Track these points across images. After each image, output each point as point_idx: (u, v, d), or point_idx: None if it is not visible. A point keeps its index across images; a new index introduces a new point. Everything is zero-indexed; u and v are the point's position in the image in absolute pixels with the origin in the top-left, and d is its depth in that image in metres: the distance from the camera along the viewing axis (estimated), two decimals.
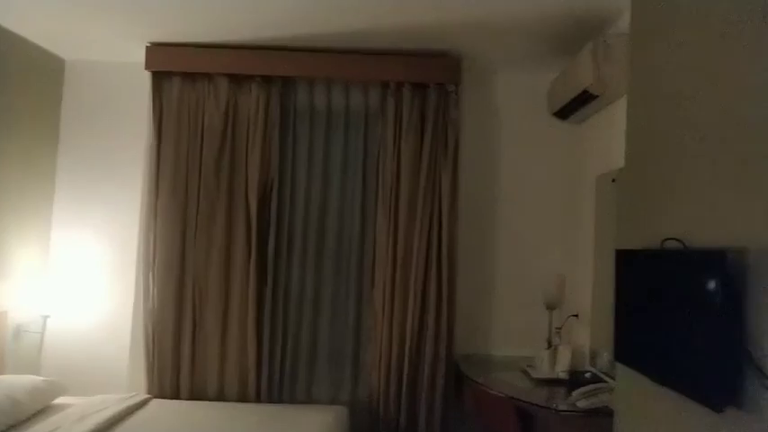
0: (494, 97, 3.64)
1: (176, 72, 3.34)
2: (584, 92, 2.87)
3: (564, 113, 3.33)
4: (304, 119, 3.45)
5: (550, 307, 3.33)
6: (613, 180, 2.86)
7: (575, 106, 3.13)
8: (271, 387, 3.31)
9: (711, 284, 1.49)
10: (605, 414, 2.38)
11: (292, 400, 3.34)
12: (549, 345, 3.22)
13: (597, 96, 2.87)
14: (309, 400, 3.36)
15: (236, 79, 3.36)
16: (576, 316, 3.31)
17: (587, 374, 2.95)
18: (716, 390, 1.47)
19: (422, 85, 3.35)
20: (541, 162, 3.62)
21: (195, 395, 3.27)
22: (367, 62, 3.32)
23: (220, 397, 3.28)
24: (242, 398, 3.26)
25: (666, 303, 1.73)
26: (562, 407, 2.49)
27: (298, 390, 3.37)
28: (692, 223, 1.74)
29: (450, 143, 3.31)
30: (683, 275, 1.65)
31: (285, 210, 3.40)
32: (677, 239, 1.78)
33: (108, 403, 2.93)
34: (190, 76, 3.36)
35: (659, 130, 2.00)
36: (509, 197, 3.62)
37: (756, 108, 1.46)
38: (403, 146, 3.30)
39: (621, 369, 2.18)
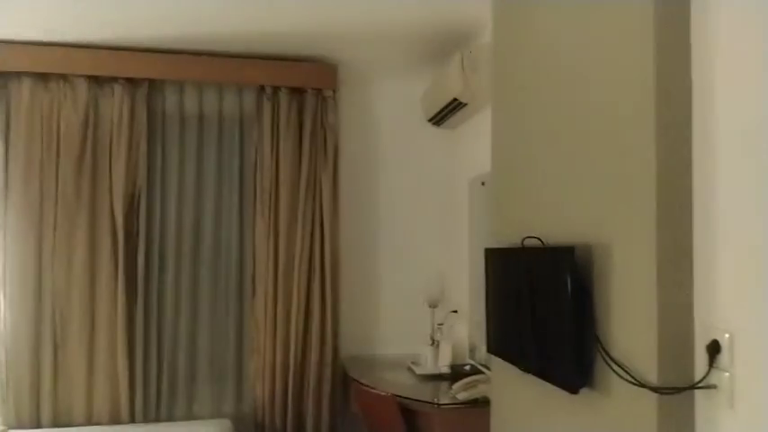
0: (371, 103, 3.71)
1: (27, 72, 3.03)
2: (454, 100, 3.01)
3: (438, 120, 3.48)
4: (173, 124, 3.29)
5: (432, 305, 3.46)
6: (483, 183, 3.03)
7: (447, 113, 3.27)
8: (147, 407, 3.12)
9: (563, 277, 1.63)
10: (484, 404, 2.51)
11: (171, 419, 3.17)
12: (433, 341, 3.33)
13: (466, 104, 3.03)
14: (191, 416, 3.21)
15: (97, 81, 3.13)
16: (456, 312, 3.46)
17: (467, 367, 3.09)
18: (571, 374, 1.61)
19: (299, 90, 3.33)
20: (419, 166, 3.76)
21: (59, 422, 3.00)
22: (241, 65, 3.24)
23: (89, 422, 3.03)
24: (114, 420, 3.04)
25: (528, 297, 1.86)
26: (443, 401, 2.59)
27: (177, 407, 3.21)
28: (549, 223, 1.89)
29: (330, 148, 3.33)
30: (540, 270, 1.78)
31: (155, 221, 3.22)
32: (536, 237, 1.93)
33: None
34: (42, 77, 3.07)
35: (519, 138, 2.16)
36: (389, 200, 3.71)
37: (597, 119, 1.63)
38: (281, 151, 3.26)
39: (494, 360, 2.31)
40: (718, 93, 1.32)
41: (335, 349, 3.28)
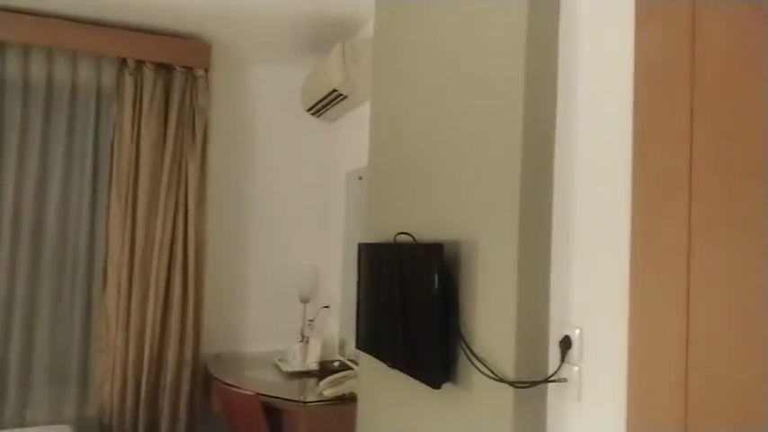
0: (248, 88, 3.54)
1: None
2: (334, 91, 2.95)
3: (317, 111, 3.40)
4: (15, 92, 2.88)
5: (304, 300, 3.38)
6: (360, 178, 3.01)
7: (326, 105, 3.21)
8: None
9: (432, 273, 1.64)
10: (352, 400, 2.49)
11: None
12: (302, 337, 3.26)
13: (346, 96, 2.98)
14: (23, 423, 2.84)
15: None
16: (328, 307, 3.41)
17: (336, 363, 3.06)
18: (434, 369, 1.62)
19: (166, 67, 3.08)
20: (296, 157, 3.65)
21: None
22: (100, 33, 2.92)
23: None
24: None
25: (397, 292, 1.86)
26: (309, 398, 2.53)
27: (6, 415, 2.82)
28: (422, 220, 1.90)
29: (199, 132, 3.11)
30: (411, 266, 1.79)
31: None
32: (408, 234, 1.93)
33: None
34: None
35: (396, 134, 2.15)
36: (263, 191, 3.57)
37: (468, 120, 1.65)
38: (143, 131, 2.99)
39: (363, 356, 2.29)
40: (580, 105, 1.39)
41: (197, 346, 3.08)
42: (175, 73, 3.09)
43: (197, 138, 3.11)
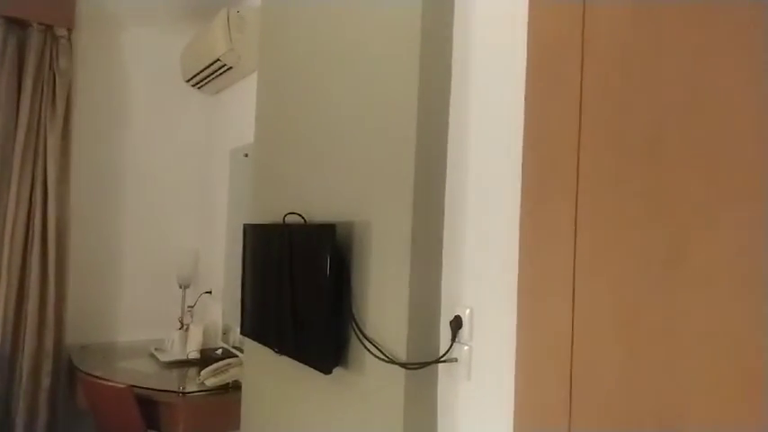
0: (120, 54, 3.21)
1: None
2: (217, 61, 2.77)
3: (199, 82, 3.17)
4: None
5: (183, 284, 3.18)
6: (246, 155, 2.86)
7: (209, 76, 3.00)
8: None
9: (323, 255, 1.58)
10: (236, 389, 2.38)
11: None
12: (182, 325, 3.07)
13: (230, 68, 2.81)
14: None
15: None
16: (210, 293, 3.23)
17: (219, 351, 2.91)
18: (325, 354, 1.57)
19: (20, 22, 2.70)
20: (174, 131, 3.39)
21: None
22: None
23: None
24: None
25: (286, 275, 1.78)
26: (190, 388, 2.39)
27: None
28: (312, 200, 1.83)
29: (60, 99, 2.77)
30: (301, 248, 1.71)
31: None
32: (298, 214, 1.85)
33: None
34: None
35: (285, 110, 2.05)
36: (138, 167, 3.28)
37: (363, 100, 1.60)
38: None
39: (248, 342, 2.19)
40: (472, 87, 1.39)
41: (59, 336, 2.77)
42: (32, 30, 2.71)
43: (58, 105, 2.76)
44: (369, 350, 1.48)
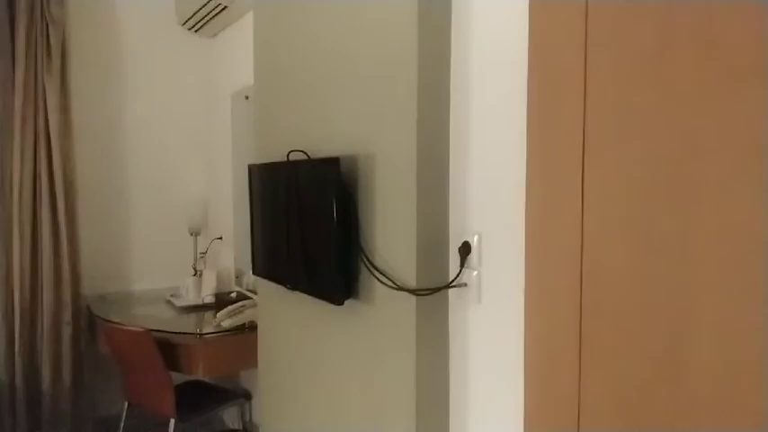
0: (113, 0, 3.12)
1: None
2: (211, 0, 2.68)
3: (195, 25, 3.10)
4: None
5: (194, 232, 3.20)
6: (246, 97, 2.82)
7: (204, 16, 2.92)
8: None
9: (329, 189, 1.57)
10: (252, 329, 2.43)
11: None
12: (195, 271, 3.11)
13: (226, 7, 2.73)
14: None
15: None
16: (221, 238, 3.26)
17: (233, 295, 2.97)
18: (336, 286, 1.59)
19: None
20: (174, 77, 3.33)
21: None
22: None
23: None
24: None
25: (293, 212, 1.78)
26: (207, 330, 2.44)
27: None
28: (315, 136, 1.81)
29: (55, 48, 2.71)
30: (306, 184, 1.70)
31: None
32: (302, 151, 1.83)
33: None
34: None
35: (283, 47, 2.00)
36: (140, 116, 3.25)
37: (364, 30, 1.55)
38: None
39: (261, 282, 2.22)
40: (473, 6, 1.34)
41: (76, 287, 2.82)
42: None
43: (53, 55, 2.71)
44: (379, 279, 1.49)
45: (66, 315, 2.77)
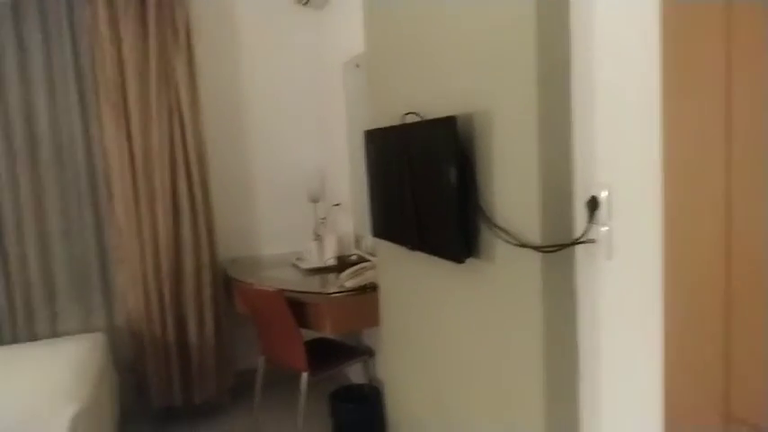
0: None
1: None
2: None
3: None
4: None
5: (314, 200, 3.35)
6: (357, 65, 2.86)
7: None
8: None
9: (446, 148, 1.57)
10: (372, 289, 2.52)
11: (33, 339, 2.86)
12: (316, 236, 3.26)
13: None
14: (55, 334, 2.92)
15: None
16: (339, 204, 3.38)
17: (353, 257, 3.08)
18: (456, 245, 1.59)
19: None
20: (287, 50, 3.45)
21: None
22: None
23: None
24: None
25: (411, 173, 1.79)
26: (332, 290, 2.57)
27: (37, 327, 2.89)
28: (429, 98, 1.80)
29: (181, 28, 2.90)
30: (423, 145, 1.71)
31: None
32: (416, 113, 1.84)
33: None
34: None
35: (394, 11, 1.99)
36: (257, 90, 3.41)
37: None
38: (122, 31, 2.79)
39: (381, 243, 2.28)
40: None
41: (212, 251, 3.08)
42: None
43: (180, 34, 2.90)
44: (501, 237, 1.47)
45: (206, 277, 3.04)
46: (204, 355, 3.05)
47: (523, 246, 1.39)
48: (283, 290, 2.50)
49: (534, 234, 1.36)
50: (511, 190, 1.44)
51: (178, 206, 2.97)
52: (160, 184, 2.91)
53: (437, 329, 1.90)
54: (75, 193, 2.94)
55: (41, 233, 2.88)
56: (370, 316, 2.51)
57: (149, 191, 2.91)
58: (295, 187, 3.49)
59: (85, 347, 2.62)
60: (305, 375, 2.55)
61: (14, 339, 2.83)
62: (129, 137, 2.86)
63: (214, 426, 3.02)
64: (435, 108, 1.75)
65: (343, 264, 2.97)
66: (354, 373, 3.30)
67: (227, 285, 3.14)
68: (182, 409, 3.08)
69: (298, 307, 2.52)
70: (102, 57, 2.80)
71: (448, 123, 1.54)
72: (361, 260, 2.95)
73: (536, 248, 1.35)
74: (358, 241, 3.19)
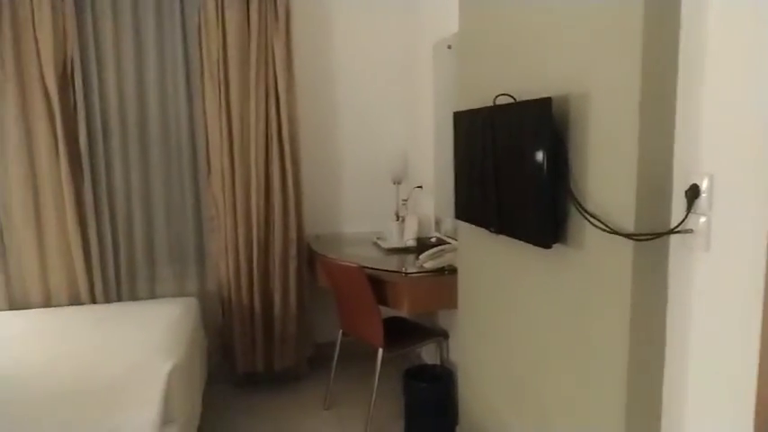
0: None
1: None
2: None
3: None
4: None
5: (396, 181, 3.39)
6: (449, 46, 2.85)
7: None
8: (106, 288, 3.04)
9: (539, 132, 1.55)
10: (450, 272, 2.54)
11: (134, 299, 3.12)
12: (397, 217, 3.31)
13: None
14: (153, 296, 3.17)
15: None
16: (421, 187, 3.41)
17: (433, 239, 3.10)
18: (544, 229, 1.58)
19: None
20: (379, 32, 3.49)
21: (16, 305, 2.93)
22: None
23: (47, 304, 2.96)
24: (74, 302, 2.98)
25: (499, 157, 1.79)
26: (411, 270, 2.61)
27: (139, 288, 3.15)
28: (522, 79, 1.78)
29: (281, 10, 3.01)
30: (515, 127, 1.70)
31: (93, 93, 2.93)
32: (509, 95, 1.82)
33: None
34: None
35: None
36: (347, 70, 3.48)
37: None
38: (227, 12, 2.93)
39: (462, 226, 2.29)
40: None
41: (300, 226, 3.21)
42: None
43: (280, 17, 3.02)
44: (592, 223, 1.44)
45: (293, 250, 3.18)
46: (286, 324, 3.20)
47: (615, 233, 1.35)
48: (364, 266, 2.57)
49: (628, 221, 1.33)
50: (605, 175, 1.41)
51: (270, 182, 3.12)
52: (254, 160, 3.06)
53: (516, 314, 1.89)
54: (176, 167, 3.15)
55: (146, 203, 3.12)
56: (447, 298, 2.53)
57: (244, 167, 3.08)
58: (379, 168, 3.55)
59: (181, 310, 2.82)
60: (381, 351, 2.62)
61: (119, 298, 3.10)
62: (228, 115, 3.03)
63: (292, 393, 3.17)
64: (528, 90, 1.73)
65: (422, 245, 3.00)
66: (427, 354, 3.34)
67: (310, 259, 3.26)
68: (262, 375, 3.25)
69: (377, 284, 2.58)
70: (207, 39, 2.97)
71: (543, 105, 1.52)
72: (441, 242, 2.97)
73: (628, 236, 1.32)
74: (438, 224, 3.21)
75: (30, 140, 2.85)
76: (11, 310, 2.91)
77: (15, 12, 2.76)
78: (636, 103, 1.30)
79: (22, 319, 2.74)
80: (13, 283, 2.92)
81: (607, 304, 1.42)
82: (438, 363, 2.97)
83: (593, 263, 1.47)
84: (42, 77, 2.81)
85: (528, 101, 1.62)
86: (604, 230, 1.39)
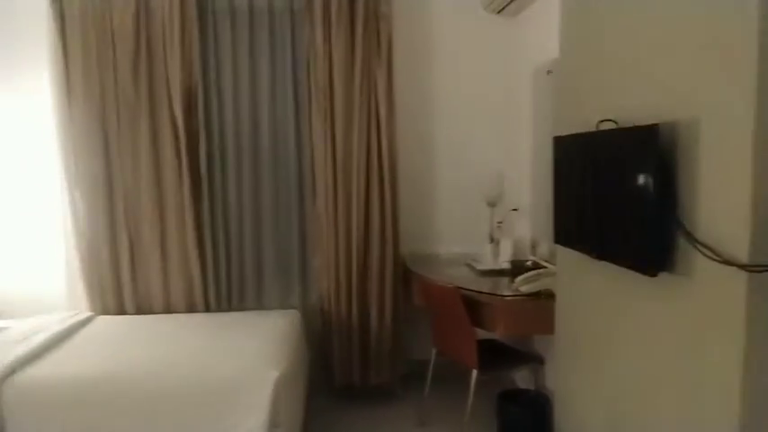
0: None
1: None
2: None
3: (498, 6, 3.24)
4: (224, 19, 3.21)
5: (491, 203, 3.41)
6: (549, 72, 2.85)
7: None
8: (219, 298, 3.31)
9: (646, 158, 1.54)
10: (547, 296, 2.52)
11: (243, 309, 3.35)
12: (492, 239, 3.32)
13: None
14: (260, 308, 3.39)
15: None
16: (516, 210, 3.40)
17: (528, 262, 3.08)
18: (650, 258, 1.55)
19: None
20: (477, 58, 3.55)
21: (141, 311, 3.26)
22: None
23: (168, 310, 3.26)
24: (191, 310, 3.27)
25: (602, 182, 1.78)
26: (507, 293, 2.61)
27: (247, 299, 3.39)
28: (625, 104, 1.77)
29: (384, 41, 3.17)
30: (617, 153, 1.69)
31: (213, 118, 3.24)
32: (612, 120, 1.81)
33: (50, 322, 2.85)
34: None
35: (593, 13, 1.98)
36: (446, 96, 3.56)
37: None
38: (334, 45, 3.13)
39: (561, 251, 2.27)
40: None
41: (396, 246, 3.31)
42: None
43: (382, 46, 3.17)
44: (702, 252, 1.41)
45: (389, 269, 3.28)
46: (382, 340, 3.30)
47: (728, 263, 1.32)
48: (460, 287, 2.60)
49: (741, 251, 1.29)
50: (717, 203, 1.38)
51: (369, 203, 3.26)
52: (356, 182, 3.22)
53: (617, 343, 1.85)
54: (285, 189, 3.38)
55: (256, 222, 3.37)
56: (544, 323, 2.50)
57: (346, 189, 3.24)
58: (474, 190, 3.58)
59: (285, 321, 2.99)
60: (475, 372, 2.63)
61: (230, 307, 3.35)
62: (333, 139, 3.21)
63: (386, 409, 3.24)
64: (633, 116, 1.71)
65: (517, 268, 2.98)
66: (521, 379, 3.30)
67: (405, 278, 3.35)
68: (358, 389, 3.35)
69: (472, 306, 2.61)
70: (315, 67, 3.17)
71: (650, 132, 1.52)
72: (537, 266, 2.94)
73: (742, 267, 1.28)
74: (534, 247, 3.18)
75: (158, 165, 3.17)
76: (137, 314, 3.23)
77: (150, 38, 3.09)
78: (749, 129, 1.27)
79: (146, 322, 3.03)
80: (139, 291, 3.26)
81: (718, 337, 1.37)
82: (532, 388, 2.93)
83: (703, 293, 1.43)
84: (170, 102, 3.12)
85: (634, 127, 1.61)
86: (716, 260, 1.35)
